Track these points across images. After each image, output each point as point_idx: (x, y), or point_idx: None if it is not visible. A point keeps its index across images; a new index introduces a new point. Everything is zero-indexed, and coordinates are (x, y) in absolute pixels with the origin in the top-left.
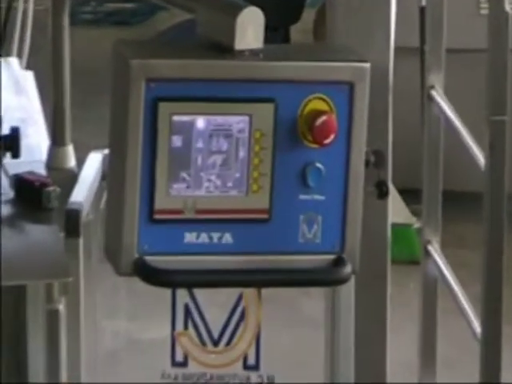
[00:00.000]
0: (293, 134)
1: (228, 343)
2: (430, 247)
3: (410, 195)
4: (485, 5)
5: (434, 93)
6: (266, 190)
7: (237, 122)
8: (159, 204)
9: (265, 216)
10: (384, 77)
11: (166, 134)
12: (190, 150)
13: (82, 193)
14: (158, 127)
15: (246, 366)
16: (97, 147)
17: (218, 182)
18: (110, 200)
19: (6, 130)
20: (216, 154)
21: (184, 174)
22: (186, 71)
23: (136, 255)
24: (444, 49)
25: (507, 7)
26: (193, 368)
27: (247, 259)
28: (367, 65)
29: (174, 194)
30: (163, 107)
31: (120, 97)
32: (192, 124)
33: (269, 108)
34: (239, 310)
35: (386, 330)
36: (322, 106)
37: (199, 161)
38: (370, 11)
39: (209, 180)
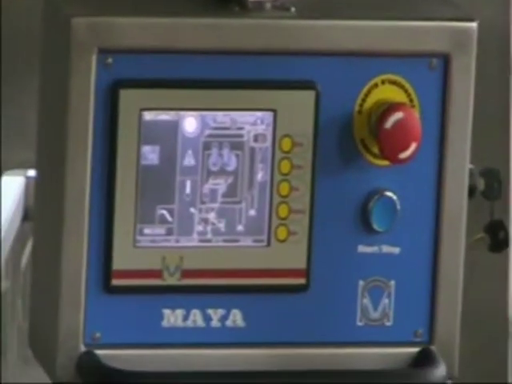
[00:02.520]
0: (346, 142)
1: None
2: None
3: None
4: None
5: None
6: (301, 238)
7: (252, 122)
8: (120, 262)
9: (300, 281)
10: (503, 45)
11: (133, 142)
12: (174, 171)
13: None
14: (119, 131)
15: None
16: (14, 165)
17: (221, 225)
18: (37, 256)
19: None
20: (217, 176)
21: (162, 211)
22: (166, 37)
23: (82, 348)
24: None
25: None
26: None
27: (269, 354)
28: (473, 25)
29: (144, 244)
30: (127, 98)
31: (54, 80)
32: (176, 126)
33: (306, 98)
34: None
35: None
36: (395, 94)
37: (188, 188)
38: None
39: (204, 221)
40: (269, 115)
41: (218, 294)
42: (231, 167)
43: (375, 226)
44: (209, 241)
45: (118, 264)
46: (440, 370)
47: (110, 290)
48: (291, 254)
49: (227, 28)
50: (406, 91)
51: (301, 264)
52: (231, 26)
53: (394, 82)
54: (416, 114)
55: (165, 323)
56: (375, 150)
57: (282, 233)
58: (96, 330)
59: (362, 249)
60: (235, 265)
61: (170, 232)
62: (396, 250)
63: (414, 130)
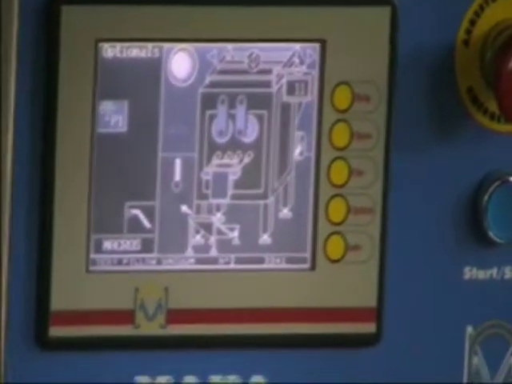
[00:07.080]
0: (444, 93)
1: None
2: None
3: None
4: None
5: None
6: (368, 257)
7: (285, 60)
8: (63, 299)
9: (367, 328)
10: None
11: (85, 95)
12: (153, 143)
13: None
14: (61, 76)
15: None
16: None
17: (233, 235)
18: None
19: None
20: (226, 152)
21: (134, 212)
22: None
23: None
24: None
25: None
26: None
27: None
28: None
29: (103, 267)
30: (74, 19)
31: None
32: (156, 68)
33: (376, 19)
34: None
35: None
36: None
37: (177, 173)
38: None
39: (205, 228)
40: (313, 49)
41: (228, 350)
42: (250, 137)
43: (492, 235)
44: (213, 261)
45: (58, 303)
46: None
47: (45, 344)
48: (351, 283)
49: None
50: None
51: (368, 300)
52: None
53: None
54: None
55: None
56: (492, 105)
57: (335, 247)
58: None
59: (470, 274)
60: (258, 302)
61: (147, 247)
62: None
63: None
